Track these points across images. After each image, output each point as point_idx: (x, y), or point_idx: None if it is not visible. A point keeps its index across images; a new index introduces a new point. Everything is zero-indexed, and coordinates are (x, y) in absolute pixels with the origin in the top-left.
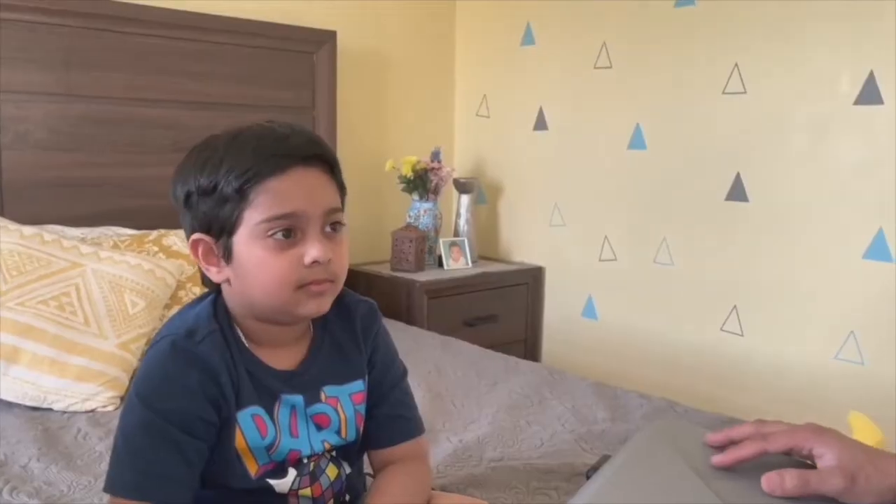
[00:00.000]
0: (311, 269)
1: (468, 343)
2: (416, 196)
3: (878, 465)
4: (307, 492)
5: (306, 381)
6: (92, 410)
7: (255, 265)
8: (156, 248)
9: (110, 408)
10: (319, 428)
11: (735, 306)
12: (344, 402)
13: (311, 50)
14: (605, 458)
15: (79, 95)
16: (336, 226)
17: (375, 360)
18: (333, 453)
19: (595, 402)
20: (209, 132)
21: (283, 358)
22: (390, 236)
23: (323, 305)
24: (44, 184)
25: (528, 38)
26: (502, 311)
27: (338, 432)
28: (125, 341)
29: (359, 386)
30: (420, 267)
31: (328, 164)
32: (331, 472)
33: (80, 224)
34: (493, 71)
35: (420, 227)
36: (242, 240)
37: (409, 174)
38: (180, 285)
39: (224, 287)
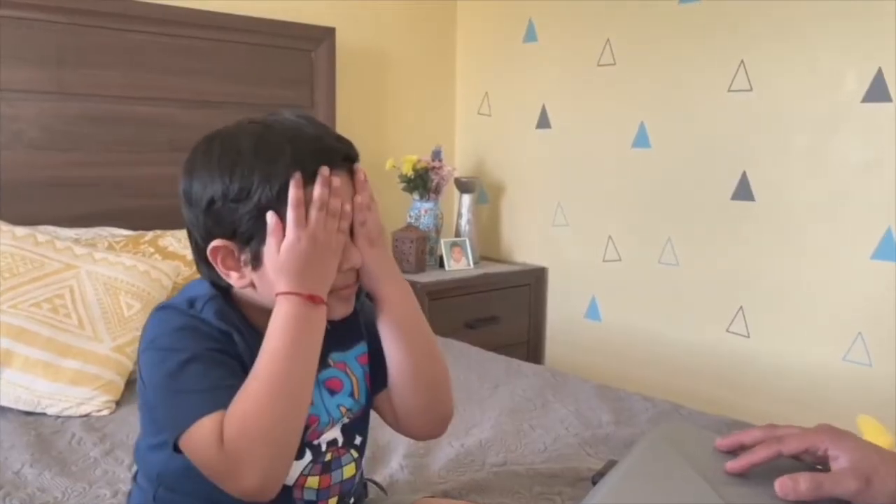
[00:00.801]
0: (344, 275)
1: (469, 345)
2: (416, 196)
3: (893, 467)
4: (314, 482)
5: None
6: (86, 415)
7: None
8: (151, 249)
9: (105, 412)
10: (333, 392)
11: (741, 307)
12: (352, 365)
13: (309, 47)
14: (611, 464)
15: (73, 94)
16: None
17: (367, 315)
18: (356, 441)
19: (599, 405)
20: (206, 131)
21: None
22: (390, 237)
23: (349, 308)
24: (37, 184)
25: (530, 35)
26: (504, 312)
27: (351, 395)
28: (120, 344)
29: (362, 348)
30: (421, 268)
31: (354, 160)
32: (348, 470)
33: (74, 225)
34: (494, 68)
35: (421, 227)
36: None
37: (410, 173)
38: (176, 287)
39: (247, 290)
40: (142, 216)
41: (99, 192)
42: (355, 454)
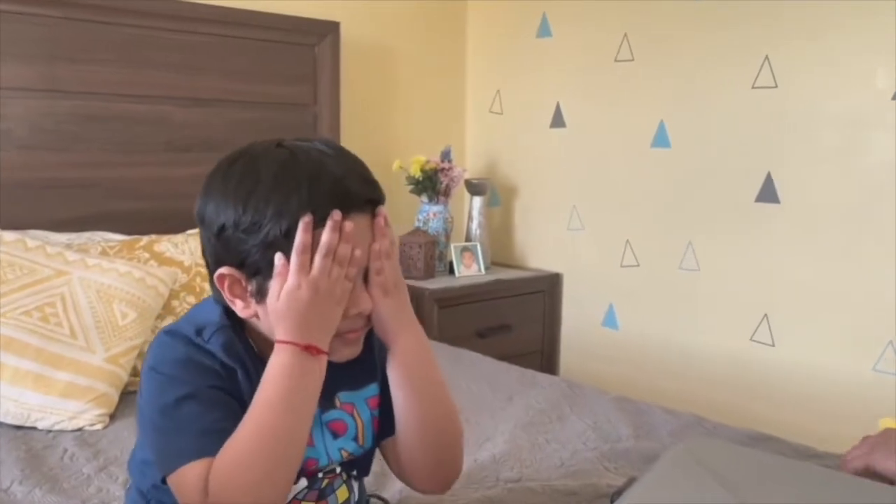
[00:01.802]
0: (352, 319)
1: (481, 355)
2: (425, 198)
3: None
4: None
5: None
6: (79, 429)
7: None
8: (147, 255)
9: (99, 426)
10: (336, 435)
11: (765, 315)
12: (360, 408)
13: (312, 42)
14: (631, 480)
15: (64, 91)
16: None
17: (383, 356)
18: (353, 473)
19: (618, 417)
20: (203, 130)
21: None
22: (398, 241)
23: (355, 351)
24: (26, 185)
25: (544, 30)
26: (517, 320)
27: (355, 439)
28: (114, 355)
29: (373, 390)
30: (430, 274)
31: (378, 204)
32: (341, 494)
33: (65, 229)
34: (506, 64)
35: (429, 231)
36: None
37: (418, 175)
38: (174, 294)
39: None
40: (136, 220)
41: (92, 195)
42: (345, 477)
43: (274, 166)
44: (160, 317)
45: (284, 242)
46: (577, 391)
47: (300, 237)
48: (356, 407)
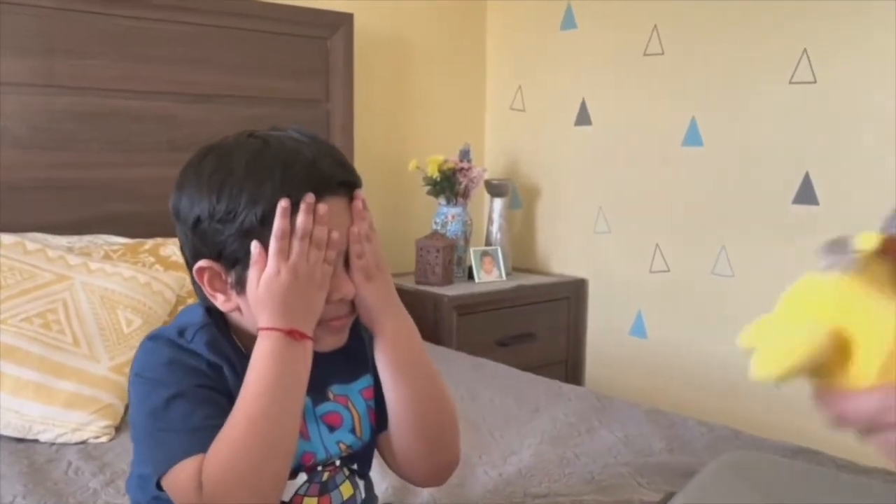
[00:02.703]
0: (335, 306)
1: (503, 365)
2: (442, 200)
3: None
4: (313, 501)
5: (311, 384)
6: (83, 442)
7: None
8: (152, 259)
9: (104, 439)
10: (332, 428)
11: None
12: (354, 399)
13: (324, 35)
14: (669, 496)
15: (61, 86)
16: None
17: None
18: (353, 467)
19: (650, 430)
20: (207, 128)
21: None
22: (414, 245)
23: (341, 340)
24: (23, 187)
25: (568, 22)
26: (540, 328)
27: (352, 431)
28: (119, 364)
29: (367, 381)
30: (448, 280)
31: (353, 187)
32: (345, 490)
33: (65, 232)
34: (529, 59)
35: (448, 234)
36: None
37: (436, 175)
38: (180, 301)
39: (233, 314)
40: (140, 222)
41: (92, 196)
42: (347, 472)
43: (246, 155)
44: (166, 324)
45: (261, 230)
46: (606, 403)
47: (278, 222)
48: (350, 399)
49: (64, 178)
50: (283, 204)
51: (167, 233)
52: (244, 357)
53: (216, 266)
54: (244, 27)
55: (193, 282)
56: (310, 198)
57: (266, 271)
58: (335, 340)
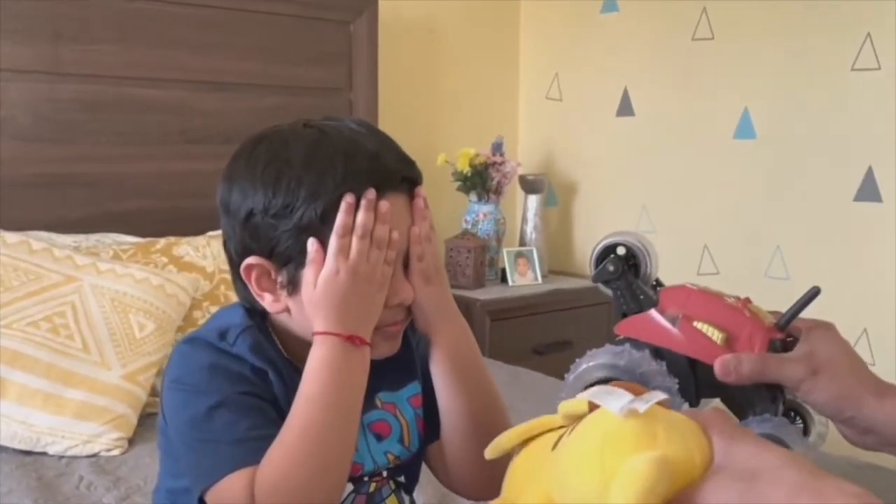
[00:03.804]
0: (392, 310)
1: (540, 374)
2: (473, 197)
3: (849, 369)
4: None
5: None
6: (95, 455)
7: None
8: (165, 260)
9: (116, 452)
10: (380, 438)
11: (865, 330)
12: (402, 407)
13: (347, 18)
14: None
15: (70, 74)
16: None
17: (422, 355)
18: (400, 479)
19: None
20: (224, 119)
21: None
22: (443, 245)
23: (395, 346)
24: (27, 182)
25: (609, 4)
26: (579, 335)
27: (400, 440)
28: (132, 371)
29: (415, 388)
30: (479, 283)
31: (415, 183)
32: (391, 502)
33: (72, 230)
34: (566, 44)
35: (479, 234)
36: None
37: (466, 170)
38: (196, 304)
39: (281, 315)
40: (152, 220)
41: (100, 192)
42: (393, 486)
43: (304, 146)
44: (181, 329)
45: (319, 226)
46: None
47: (341, 218)
48: (398, 407)
49: (70, 173)
50: (348, 199)
51: (180, 231)
52: (288, 362)
53: (266, 264)
54: (262, 10)
55: (236, 279)
56: (371, 194)
57: (324, 271)
58: (390, 347)
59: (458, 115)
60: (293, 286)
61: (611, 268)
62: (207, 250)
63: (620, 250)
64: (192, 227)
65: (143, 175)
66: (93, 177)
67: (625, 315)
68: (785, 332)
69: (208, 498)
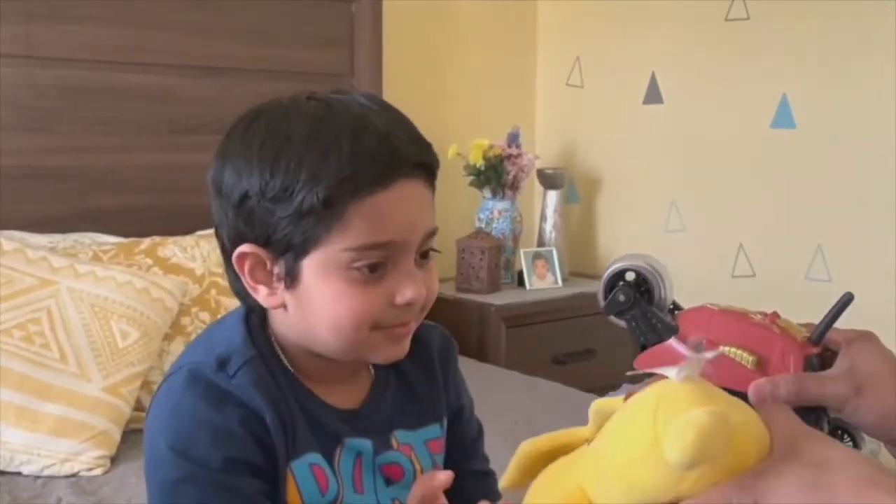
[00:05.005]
0: (399, 310)
1: (561, 385)
2: (487, 192)
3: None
4: None
5: (374, 423)
6: (74, 474)
7: (329, 299)
8: (149, 261)
9: (98, 471)
10: (389, 482)
11: None
12: (419, 451)
13: None
14: None
15: (46, 58)
16: (428, 252)
17: (451, 401)
18: None
19: None
20: (215, 107)
21: (339, 395)
22: (455, 246)
23: (402, 351)
24: None
25: None
26: (603, 344)
27: (409, 488)
28: (114, 383)
29: (435, 431)
30: (494, 286)
31: (432, 170)
32: None
33: (48, 229)
34: (588, 25)
35: (494, 233)
36: (315, 264)
37: (479, 163)
38: (184, 310)
39: (276, 312)
40: (134, 219)
41: (79, 187)
42: None
43: (306, 121)
44: (168, 337)
45: (322, 212)
46: None
47: None
48: (414, 449)
49: (45, 166)
50: None
51: (166, 230)
52: (292, 378)
53: (261, 253)
54: None
55: (229, 270)
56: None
57: None
58: (396, 351)
59: (471, 103)
60: (291, 278)
61: (621, 297)
62: (196, 251)
63: (630, 275)
64: (180, 225)
65: (127, 168)
66: (70, 170)
67: (643, 347)
68: (821, 347)
69: None
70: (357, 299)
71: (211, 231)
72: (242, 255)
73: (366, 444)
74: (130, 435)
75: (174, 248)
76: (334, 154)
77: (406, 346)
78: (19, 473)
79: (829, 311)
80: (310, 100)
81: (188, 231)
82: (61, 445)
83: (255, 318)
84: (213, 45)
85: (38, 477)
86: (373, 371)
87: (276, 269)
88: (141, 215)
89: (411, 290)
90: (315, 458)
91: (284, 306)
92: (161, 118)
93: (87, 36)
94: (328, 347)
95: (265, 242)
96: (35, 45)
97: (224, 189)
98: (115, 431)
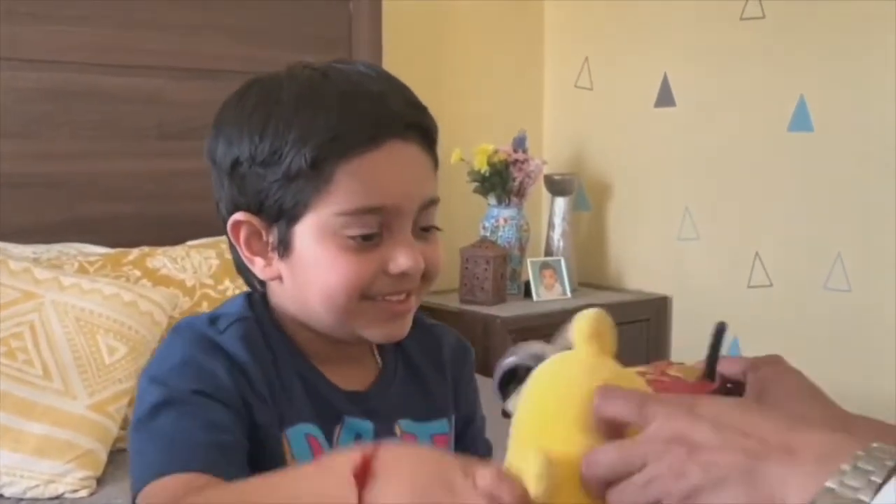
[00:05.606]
0: (393, 279)
1: None
2: (492, 199)
3: (822, 409)
4: None
5: (378, 407)
6: (59, 496)
7: (321, 266)
8: (137, 273)
9: (84, 493)
10: None
11: None
12: (424, 443)
13: None
14: None
15: (28, 59)
16: (431, 228)
17: (461, 405)
18: None
19: None
20: (205, 111)
21: (345, 377)
22: (458, 255)
23: (400, 330)
24: None
25: None
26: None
27: None
28: (100, 401)
29: (443, 426)
30: (500, 297)
31: (428, 134)
32: None
33: (32, 239)
34: (597, 25)
35: (499, 242)
36: (308, 231)
37: (484, 169)
38: (172, 323)
39: (273, 285)
40: (122, 227)
41: (63, 195)
42: None
43: (299, 87)
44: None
45: (310, 174)
46: None
47: None
48: (419, 442)
49: (29, 173)
50: None
51: (155, 240)
52: (295, 351)
53: (255, 221)
54: None
55: (231, 248)
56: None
57: None
58: (392, 328)
59: (474, 106)
60: (285, 247)
61: (510, 407)
62: (187, 262)
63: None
64: (169, 235)
65: (113, 175)
66: (54, 177)
67: None
68: (719, 381)
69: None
70: (349, 266)
71: (203, 241)
72: (237, 224)
73: (367, 425)
74: (117, 455)
75: (164, 258)
76: (323, 115)
77: (405, 326)
78: (1, 496)
79: (709, 345)
80: (306, 68)
81: (178, 241)
82: (45, 466)
83: (256, 296)
84: (204, 46)
85: (21, 499)
86: (379, 359)
87: (271, 239)
88: (129, 224)
89: (406, 257)
90: (311, 428)
91: (280, 278)
92: (150, 122)
93: (74, 37)
94: (321, 320)
95: (258, 209)
96: (19, 46)
97: (217, 157)
98: (101, 451)
